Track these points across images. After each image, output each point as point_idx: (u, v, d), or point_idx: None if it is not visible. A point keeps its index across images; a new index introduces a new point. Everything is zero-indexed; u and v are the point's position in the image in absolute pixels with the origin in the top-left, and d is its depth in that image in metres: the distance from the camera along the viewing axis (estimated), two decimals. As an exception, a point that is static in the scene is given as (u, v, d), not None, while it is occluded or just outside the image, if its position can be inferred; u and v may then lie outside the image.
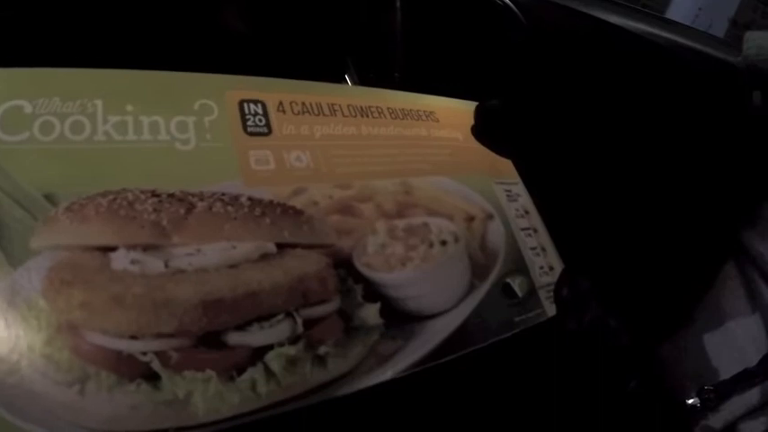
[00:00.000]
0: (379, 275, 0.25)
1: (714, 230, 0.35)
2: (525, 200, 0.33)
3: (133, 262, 0.23)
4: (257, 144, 0.27)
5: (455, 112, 0.35)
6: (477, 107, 0.34)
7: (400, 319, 0.25)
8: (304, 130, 0.29)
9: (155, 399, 0.21)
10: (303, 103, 0.29)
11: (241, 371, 0.22)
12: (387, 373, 0.24)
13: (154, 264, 0.23)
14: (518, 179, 0.34)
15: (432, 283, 0.26)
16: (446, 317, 0.26)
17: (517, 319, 0.28)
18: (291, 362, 0.23)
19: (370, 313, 0.25)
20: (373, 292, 0.25)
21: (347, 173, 0.28)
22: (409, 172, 0.30)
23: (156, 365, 0.21)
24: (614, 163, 0.34)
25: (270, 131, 0.28)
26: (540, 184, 0.34)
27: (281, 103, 0.29)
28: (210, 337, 0.22)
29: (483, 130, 0.33)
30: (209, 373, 0.21)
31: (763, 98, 0.34)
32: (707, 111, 0.34)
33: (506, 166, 0.34)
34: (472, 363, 0.26)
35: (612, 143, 0.35)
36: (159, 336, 0.21)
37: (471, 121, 0.34)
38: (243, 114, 0.27)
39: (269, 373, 0.22)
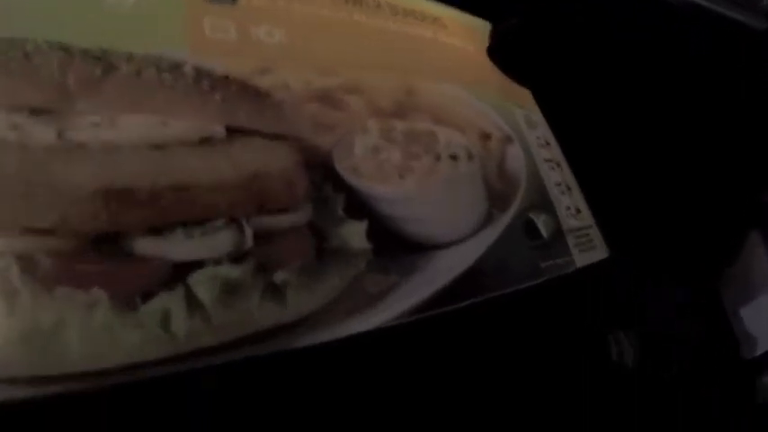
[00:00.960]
0: (369, 184, 0.18)
1: (737, 197, 0.31)
2: (545, 129, 0.27)
3: (13, 128, 0.15)
4: (216, 11, 0.20)
5: (466, 26, 0.28)
6: (495, 27, 0.28)
7: (395, 247, 0.18)
8: (280, 5, 0.21)
9: (6, 328, 0.13)
10: None
11: (149, 296, 0.14)
12: (373, 320, 0.16)
13: (41, 132, 0.15)
14: (536, 108, 0.27)
15: (438, 204, 0.19)
16: (457, 250, 0.19)
17: (543, 265, 0.21)
18: (231, 289, 0.15)
19: (354, 233, 0.17)
20: (359, 205, 0.18)
21: (331, 57, 0.21)
22: (411, 71, 0.23)
23: (13, 275, 0.13)
24: (637, 116, 0.29)
25: (234, 1, 0.20)
26: (561, 123, 0.28)
27: None
28: (107, 242, 0.14)
29: (500, 51, 0.27)
30: (97, 293, 0.13)
31: None
32: (727, 76, 0.30)
33: (524, 93, 0.27)
34: (487, 315, 0.19)
35: (634, 93, 0.30)
36: (28, 232, 0.13)
37: (485, 39, 0.27)
38: None
39: (193, 302, 0.14)
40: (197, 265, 0.15)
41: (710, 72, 0.29)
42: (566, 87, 0.28)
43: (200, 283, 0.15)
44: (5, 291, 0.13)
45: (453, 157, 0.21)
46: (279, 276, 0.16)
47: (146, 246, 0.14)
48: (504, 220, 0.21)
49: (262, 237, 0.16)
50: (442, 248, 0.18)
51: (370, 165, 0.19)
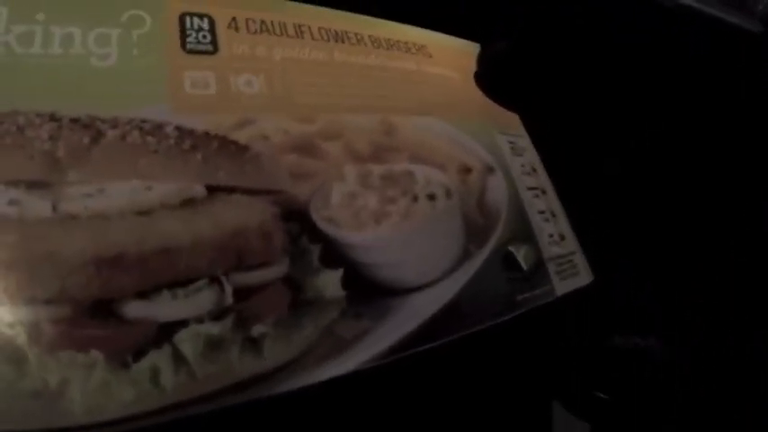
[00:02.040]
0: (345, 234, 0.19)
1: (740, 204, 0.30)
2: (532, 156, 0.27)
3: (11, 203, 0.16)
4: (196, 64, 0.21)
5: (452, 51, 0.28)
6: (482, 50, 0.27)
7: (369, 293, 0.19)
8: (260, 52, 0.22)
9: (17, 387, 0.14)
10: (262, 21, 0.23)
11: (140, 355, 0.16)
12: (346, 364, 0.17)
13: (38, 206, 0.16)
14: (524, 133, 0.28)
15: (414, 247, 0.20)
16: (431, 291, 0.20)
17: (520, 297, 0.22)
18: (212, 345, 0.16)
19: (329, 282, 0.18)
20: (335, 255, 0.19)
21: (311, 104, 0.22)
22: (392, 109, 0.23)
23: (21, 341, 0.15)
24: (633, 128, 0.29)
25: (215, 50, 0.21)
26: (551, 146, 0.28)
27: (233, 20, 0.23)
28: (101, 307, 0.16)
29: (487, 77, 0.27)
30: (95, 355, 0.15)
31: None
32: (724, 81, 0.29)
33: (511, 117, 0.28)
34: (461, 352, 0.20)
35: (631, 106, 0.29)
36: (32, 302, 0.15)
37: (472, 64, 0.27)
38: (183, 29, 0.22)
39: (179, 359, 0.16)
40: (181, 323, 0.16)
41: (708, 78, 0.28)
42: (556, 110, 0.28)
43: (185, 340, 0.16)
44: (16, 357, 0.15)
45: (431, 197, 0.21)
46: (256, 330, 0.17)
47: (135, 309, 0.16)
48: (482, 255, 0.21)
49: (241, 292, 0.17)
50: (415, 291, 0.19)
51: (347, 213, 0.20)
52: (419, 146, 0.22)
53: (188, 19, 0.22)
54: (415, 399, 0.20)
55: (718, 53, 0.28)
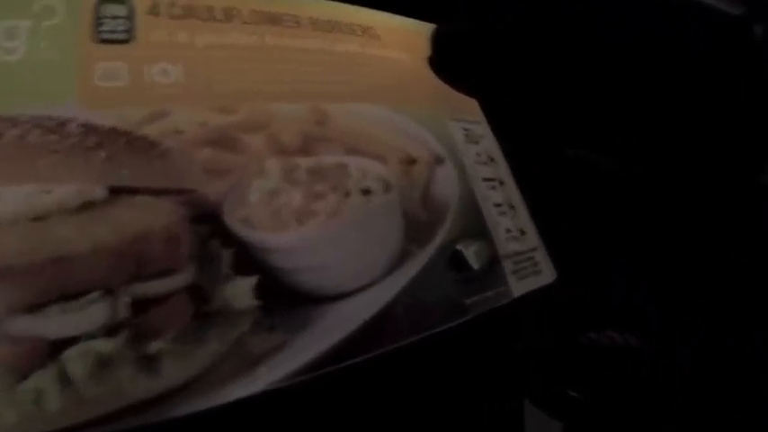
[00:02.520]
0: (261, 236, 0.17)
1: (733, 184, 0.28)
2: (490, 144, 0.24)
3: None
4: (109, 54, 0.19)
5: (403, 32, 0.26)
6: (436, 30, 0.25)
7: (288, 302, 0.17)
8: (181, 38, 0.20)
9: None
10: (187, 6, 0.21)
11: (25, 375, 0.14)
12: (256, 383, 0.15)
13: None
14: (481, 118, 0.25)
15: (342, 248, 0.18)
16: (361, 298, 0.18)
17: (469, 300, 0.20)
18: (103, 363, 0.15)
19: (240, 291, 0.16)
20: (249, 260, 0.17)
21: (233, 92, 0.20)
22: (327, 96, 0.21)
23: None
24: (610, 115, 0.26)
25: (131, 38, 0.19)
26: (514, 134, 0.26)
27: (155, 4, 0.21)
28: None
29: (441, 60, 0.25)
30: None
31: (766, 31, 0.26)
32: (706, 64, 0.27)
33: (468, 102, 0.25)
34: (396, 367, 0.18)
35: (607, 89, 0.26)
36: None
37: (424, 46, 0.25)
38: (97, 17, 0.20)
39: (66, 379, 0.14)
40: (72, 340, 0.15)
41: (691, 63, 0.26)
42: (521, 92, 0.25)
43: (73, 359, 0.14)
44: None
45: (366, 192, 0.19)
46: (153, 347, 0.15)
47: (21, 325, 0.14)
48: (424, 255, 0.19)
49: (138, 304, 0.16)
50: (342, 299, 0.17)
51: (265, 212, 0.18)
52: (356, 136, 0.20)
53: (104, 6, 0.20)
54: (349, 417, 0.18)
55: (697, 37, 0.26)
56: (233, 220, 0.17)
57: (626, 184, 0.27)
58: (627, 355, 0.26)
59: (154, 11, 0.20)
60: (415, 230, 0.20)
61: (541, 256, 0.23)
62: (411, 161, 0.21)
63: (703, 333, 0.29)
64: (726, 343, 0.29)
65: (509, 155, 0.27)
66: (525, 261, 0.22)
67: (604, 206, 0.27)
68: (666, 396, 0.27)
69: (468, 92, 0.25)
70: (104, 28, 0.20)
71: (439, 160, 0.22)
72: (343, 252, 0.18)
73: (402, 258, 0.19)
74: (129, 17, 0.20)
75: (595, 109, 0.26)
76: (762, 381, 0.27)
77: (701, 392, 0.26)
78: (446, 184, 0.21)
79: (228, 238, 0.17)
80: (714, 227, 0.28)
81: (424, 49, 0.25)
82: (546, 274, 0.22)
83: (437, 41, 0.24)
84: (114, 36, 0.20)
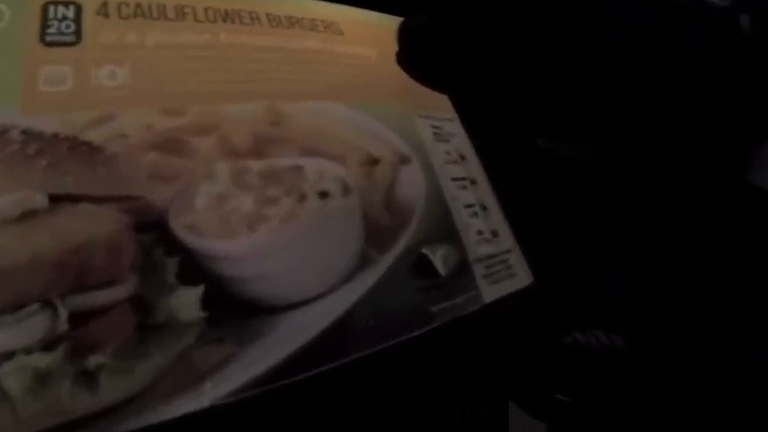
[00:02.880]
0: (209, 243, 0.16)
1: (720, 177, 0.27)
2: (461, 141, 0.23)
3: None
4: (55, 57, 0.18)
5: (369, 27, 0.25)
6: (402, 24, 0.24)
7: (236, 312, 0.16)
8: (130, 38, 0.19)
9: None
10: (138, 4, 0.20)
11: None
12: (201, 399, 0.15)
13: None
14: (453, 115, 0.24)
15: (296, 256, 0.17)
16: (315, 308, 0.17)
17: (435, 308, 0.19)
18: (41, 379, 0.14)
19: (186, 302, 0.15)
20: (196, 269, 0.16)
21: (183, 93, 0.19)
22: (284, 94, 0.20)
23: None
24: (590, 108, 0.25)
25: (78, 40, 0.19)
26: (488, 132, 0.25)
27: (104, 4, 0.20)
28: None
29: (410, 56, 0.24)
30: None
31: (753, 22, 0.25)
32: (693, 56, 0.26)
33: (438, 98, 0.24)
34: (355, 379, 0.17)
35: (589, 82, 0.25)
36: None
37: (392, 41, 0.24)
38: (45, 19, 0.19)
39: (2, 396, 0.14)
40: (8, 354, 0.14)
41: (678, 55, 0.25)
42: (501, 96, 0.24)
43: (10, 374, 0.14)
44: None
45: (323, 195, 0.18)
46: (93, 361, 0.14)
47: None
48: (385, 261, 0.18)
49: (78, 317, 0.15)
50: (294, 309, 0.17)
51: (213, 218, 0.17)
52: (314, 136, 0.19)
53: (51, 8, 0.19)
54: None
55: (696, 34, 0.25)
56: (179, 226, 0.16)
57: (626, 184, 0.26)
58: (611, 356, 0.25)
59: (103, 11, 0.20)
60: (377, 235, 0.19)
61: (516, 259, 0.22)
62: (373, 161, 0.20)
63: (703, 333, 0.28)
64: (726, 343, 0.28)
65: (496, 152, 0.26)
66: (498, 264, 0.21)
67: (604, 206, 0.27)
68: (665, 396, 0.26)
69: (438, 88, 0.24)
70: (51, 30, 0.19)
71: (404, 160, 0.21)
72: (298, 259, 0.17)
73: (362, 265, 0.18)
74: (77, 19, 0.19)
75: (594, 107, 0.25)
76: (762, 381, 0.26)
77: (701, 392, 0.26)
78: (412, 185, 0.20)
79: (174, 246, 0.16)
80: (714, 227, 0.27)
81: (391, 43, 0.24)
82: (521, 278, 0.21)
83: (403, 36, 0.23)
84: (61, 38, 0.19)
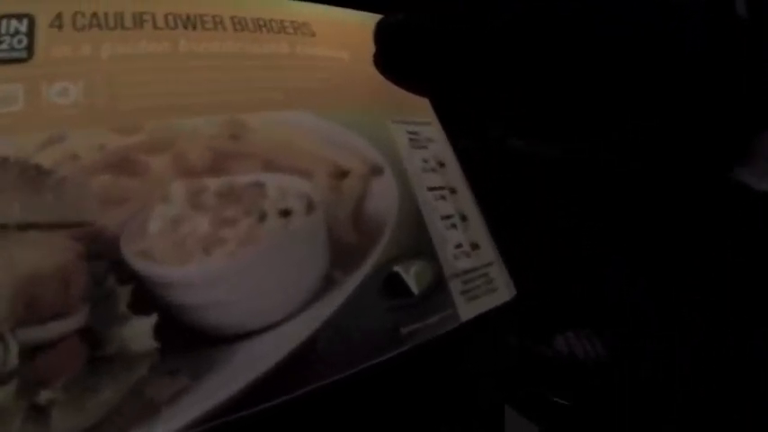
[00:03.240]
0: (162, 270, 0.16)
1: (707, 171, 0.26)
2: (441, 147, 0.22)
3: None
4: (7, 75, 0.18)
5: (344, 27, 0.23)
6: (380, 23, 0.23)
7: (191, 342, 0.15)
8: (85, 51, 0.19)
9: None
10: (94, 14, 0.19)
11: None
12: (155, 433, 0.14)
13: None
14: (432, 118, 0.23)
15: (254, 281, 0.16)
16: (274, 335, 0.16)
17: (406, 329, 0.18)
18: (-10, 416, 0.14)
19: (138, 332, 0.15)
20: (149, 297, 0.15)
21: (137, 109, 0.18)
22: (246, 105, 0.19)
23: None
24: (606, 111, 0.24)
25: (30, 56, 0.18)
26: (473, 135, 0.24)
27: (59, 16, 0.19)
28: None
29: (386, 57, 0.22)
30: None
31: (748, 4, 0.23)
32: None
33: (416, 101, 0.23)
34: (318, 408, 0.16)
35: (603, 85, 0.24)
36: None
37: (369, 41, 0.23)
38: None
39: None
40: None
41: (675, 50, 0.23)
42: (486, 85, 0.23)
43: None
44: None
45: (285, 213, 0.17)
46: (44, 396, 0.14)
47: None
48: (352, 282, 0.17)
49: (27, 351, 0.14)
50: (252, 337, 0.16)
51: (167, 243, 0.16)
52: (277, 149, 0.18)
53: (4, 22, 0.18)
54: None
55: (693, 29, 0.23)
56: (131, 253, 0.16)
57: (623, 181, 0.25)
58: (595, 364, 0.25)
59: (57, 23, 0.19)
60: (343, 254, 0.18)
61: (497, 272, 0.21)
62: (342, 174, 0.19)
63: (701, 331, 0.27)
64: (724, 341, 0.27)
65: (487, 150, 0.25)
66: (477, 279, 0.20)
67: (601, 203, 0.26)
68: (665, 395, 0.26)
69: (419, 91, 0.22)
70: (3, 47, 0.18)
71: (376, 170, 0.20)
72: (256, 284, 0.16)
73: (325, 287, 0.17)
74: (30, 33, 0.18)
75: (591, 104, 0.24)
76: (761, 380, 0.25)
77: (701, 391, 0.25)
78: (384, 198, 0.19)
79: (126, 274, 0.15)
80: (711, 223, 0.26)
81: (366, 43, 0.22)
82: (502, 292, 0.20)
83: (380, 35, 0.22)
84: (12, 55, 0.18)
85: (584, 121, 0.24)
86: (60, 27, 0.19)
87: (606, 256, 0.27)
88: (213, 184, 0.17)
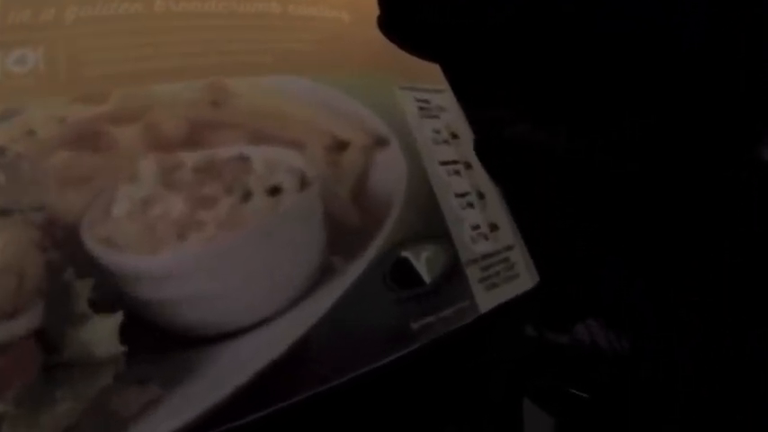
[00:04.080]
0: (128, 259, 0.13)
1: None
2: (454, 117, 0.19)
3: None
4: None
5: None
6: None
7: (162, 345, 0.13)
8: (48, 15, 0.16)
9: None
10: None
11: None
12: (120, 451, 0.12)
13: None
14: (444, 85, 0.20)
15: (237, 271, 0.14)
16: (262, 334, 0.14)
17: (417, 324, 0.15)
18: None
19: (101, 334, 0.13)
20: (113, 292, 0.13)
21: (105, 75, 0.16)
22: (229, 68, 0.17)
23: None
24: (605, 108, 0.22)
25: None
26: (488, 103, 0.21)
27: None
28: None
29: (391, 18, 0.20)
30: None
31: None
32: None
33: (426, 67, 0.20)
34: (317, 417, 0.14)
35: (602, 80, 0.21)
36: None
37: (372, 2, 0.20)
38: None
39: None
40: None
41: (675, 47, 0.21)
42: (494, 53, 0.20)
43: None
44: None
45: (273, 191, 0.15)
46: (-7, 408, 0.12)
47: None
48: (354, 271, 0.15)
49: (-28, 356, 0.12)
50: (237, 337, 0.13)
51: (135, 228, 0.14)
52: (265, 118, 0.16)
53: None
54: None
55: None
56: (92, 240, 0.13)
57: (620, 181, 0.24)
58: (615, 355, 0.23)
59: None
60: (342, 238, 0.15)
61: (519, 256, 0.18)
62: (340, 146, 0.16)
63: (700, 331, 0.26)
64: (723, 342, 0.25)
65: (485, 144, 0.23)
66: (498, 264, 0.17)
67: (597, 203, 0.24)
68: (663, 395, 0.24)
69: (428, 56, 0.19)
70: None
71: (380, 142, 0.17)
72: (240, 274, 0.14)
73: (322, 277, 0.15)
74: None
75: (590, 99, 0.22)
76: (761, 380, 0.23)
77: (699, 392, 0.23)
78: (389, 173, 0.17)
79: (86, 265, 0.13)
80: (709, 223, 0.24)
81: (372, 5, 0.20)
82: (524, 279, 0.18)
83: (382, -2, 0.19)
84: None
85: (582, 117, 0.22)
86: None
87: (603, 257, 0.25)
88: (190, 158, 0.15)
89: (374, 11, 0.20)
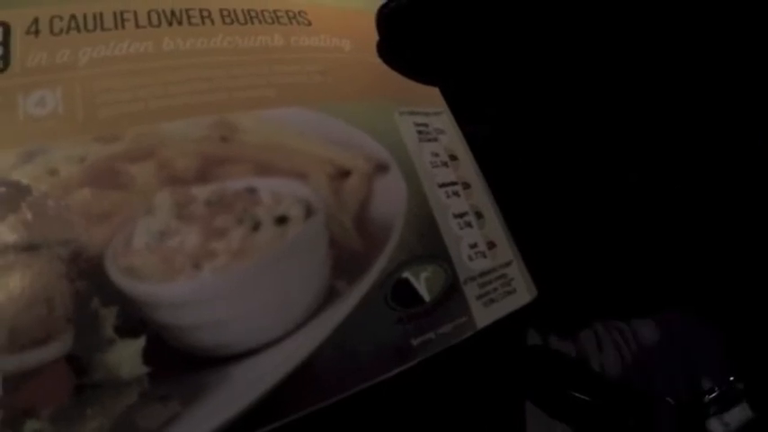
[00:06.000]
0: (149, 288, 0.15)
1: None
2: (452, 138, 0.20)
3: None
4: None
5: (344, 14, 0.22)
6: (383, 8, 0.21)
7: (182, 365, 0.14)
8: (63, 57, 0.17)
9: None
10: (73, 17, 0.18)
11: None
12: (145, 465, 0.13)
13: None
14: (442, 107, 0.21)
15: (248, 296, 0.15)
16: (272, 354, 0.15)
17: (416, 341, 0.16)
18: (-25, 451, 0.13)
19: (126, 357, 0.14)
20: (136, 319, 0.14)
21: (119, 115, 0.17)
22: (236, 104, 0.18)
23: None
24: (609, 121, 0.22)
25: (6, 66, 0.17)
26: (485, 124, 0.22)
27: (35, 21, 0.18)
28: None
29: (393, 45, 0.20)
30: None
31: None
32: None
33: (425, 91, 0.21)
34: (324, 428, 0.15)
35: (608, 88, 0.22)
36: None
37: (371, 29, 0.21)
38: None
39: None
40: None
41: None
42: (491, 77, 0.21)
43: None
44: None
45: (281, 221, 0.16)
46: (30, 427, 0.13)
47: None
48: (357, 293, 0.16)
49: (11, 380, 0.14)
50: (249, 357, 0.15)
51: (153, 259, 0.15)
52: (270, 151, 0.17)
53: None
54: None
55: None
56: (115, 270, 0.15)
57: (620, 192, 0.24)
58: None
59: (33, 29, 0.18)
60: (346, 262, 0.16)
61: (516, 272, 0.19)
62: (343, 174, 0.17)
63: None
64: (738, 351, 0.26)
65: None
66: (495, 281, 0.18)
67: (599, 212, 0.24)
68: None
69: (427, 81, 0.20)
70: None
71: (381, 168, 0.18)
72: (251, 299, 0.15)
73: (327, 300, 0.16)
74: (5, 41, 0.17)
75: (590, 101, 0.22)
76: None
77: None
78: (390, 198, 0.18)
79: (111, 294, 0.14)
80: (710, 231, 0.25)
81: (372, 32, 0.20)
82: (521, 294, 0.18)
83: (383, 21, 0.20)
84: None
85: (588, 126, 0.22)
86: (37, 33, 0.18)
87: (604, 266, 0.26)
88: (201, 192, 0.16)
89: (373, 37, 0.21)
